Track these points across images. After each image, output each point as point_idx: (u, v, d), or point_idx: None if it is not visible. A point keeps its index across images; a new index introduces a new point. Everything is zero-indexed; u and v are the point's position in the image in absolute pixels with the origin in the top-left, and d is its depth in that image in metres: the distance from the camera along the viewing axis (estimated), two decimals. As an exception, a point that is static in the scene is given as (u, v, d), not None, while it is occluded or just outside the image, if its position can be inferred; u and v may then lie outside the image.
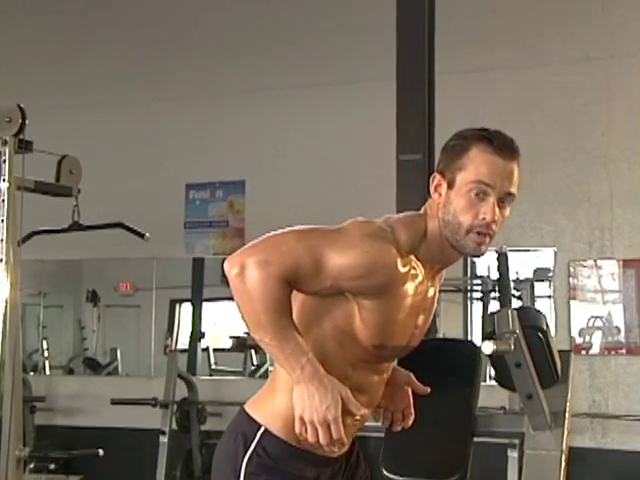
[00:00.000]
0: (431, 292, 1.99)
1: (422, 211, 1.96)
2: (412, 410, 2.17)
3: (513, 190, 1.88)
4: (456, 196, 1.87)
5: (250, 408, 1.96)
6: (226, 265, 1.82)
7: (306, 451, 1.91)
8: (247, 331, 1.86)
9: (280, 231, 1.86)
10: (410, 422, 2.17)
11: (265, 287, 1.79)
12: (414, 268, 1.90)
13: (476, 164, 1.85)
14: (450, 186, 1.88)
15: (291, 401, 1.87)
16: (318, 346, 1.88)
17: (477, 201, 1.85)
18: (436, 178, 1.92)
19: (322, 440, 1.80)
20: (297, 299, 1.89)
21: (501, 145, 1.87)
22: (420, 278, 1.92)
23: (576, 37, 5.61)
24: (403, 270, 1.86)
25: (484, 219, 1.85)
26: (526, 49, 5.68)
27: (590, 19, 5.63)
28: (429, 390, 2.14)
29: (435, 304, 2.04)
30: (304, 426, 1.81)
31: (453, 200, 1.87)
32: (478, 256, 1.92)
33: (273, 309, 1.80)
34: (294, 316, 1.86)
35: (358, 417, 1.91)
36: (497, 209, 1.85)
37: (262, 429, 1.91)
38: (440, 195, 1.90)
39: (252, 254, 1.81)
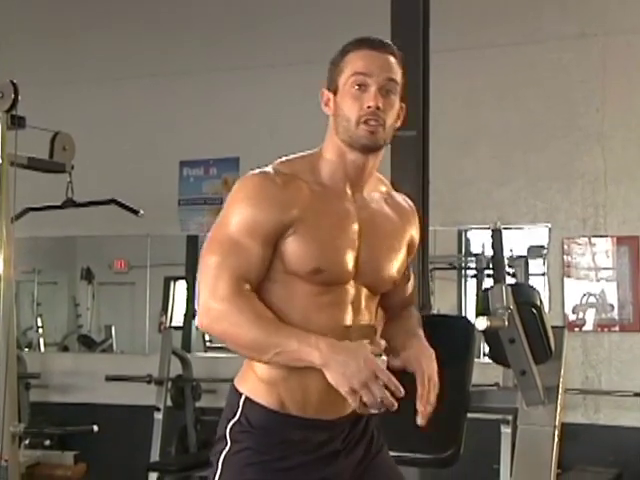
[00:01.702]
0: (364, 214, 1.97)
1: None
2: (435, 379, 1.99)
3: (393, 76, 1.94)
4: (341, 98, 1.94)
5: (236, 381, 2.00)
6: (199, 323, 1.88)
7: (291, 415, 1.92)
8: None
9: (201, 258, 1.91)
10: (433, 395, 1.97)
11: (233, 312, 1.82)
12: (312, 189, 1.92)
13: (352, 62, 1.94)
14: (335, 93, 1.96)
15: (268, 367, 1.88)
16: (271, 298, 1.89)
17: (359, 94, 1.91)
18: (324, 94, 2.00)
19: (380, 393, 1.76)
20: None
21: (373, 42, 1.96)
22: (329, 197, 1.94)
23: (572, 14, 5.58)
24: (292, 193, 1.89)
25: (369, 107, 1.90)
26: (521, 26, 5.65)
27: (586, -4, 5.62)
28: (403, 392, 1.88)
29: (393, 233, 2.02)
30: (356, 395, 1.77)
31: (340, 103, 1.94)
32: (374, 148, 1.94)
33: (255, 322, 1.82)
34: None
35: None
36: (380, 97, 1.91)
37: (244, 398, 1.95)
38: (330, 108, 1.98)
39: (201, 299, 1.86)
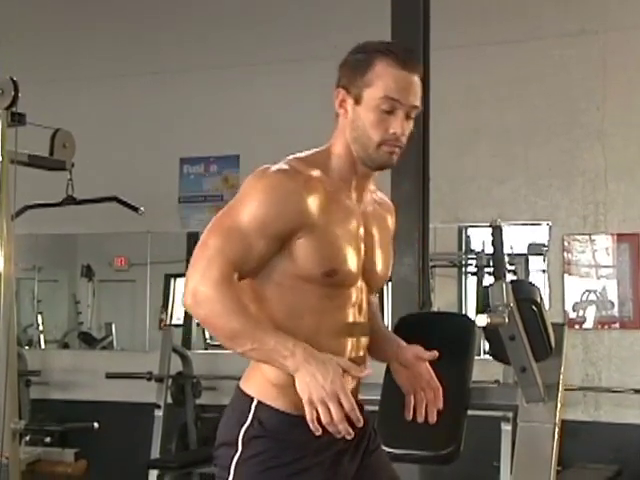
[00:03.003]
0: (365, 216, 1.98)
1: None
2: (436, 382, 2.09)
3: (418, 103, 1.93)
4: (365, 112, 1.90)
5: (243, 384, 1.96)
6: (184, 302, 1.85)
7: (304, 416, 1.85)
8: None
9: (200, 240, 1.87)
10: (441, 399, 2.09)
11: (219, 299, 1.79)
12: (327, 190, 1.89)
13: (384, 80, 1.88)
14: (357, 102, 1.91)
15: (278, 370, 1.85)
16: (280, 303, 1.88)
17: (386, 116, 1.89)
18: (340, 93, 1.94)
19: (336, 416, 1.76)
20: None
21: (406, 59, 1.91)
22: (340, 199, 1.92)
23: (572, 11, 5.58)
24: (309, 194, 1.86)
25: (395, 133, 1.90)
26: (522, 23, 5.65)
27: (586, -7, 5.61)
28: (437, 354, 2.05)
29: (385, 232, 2.05)
30: (312, 407, 1.77)
31: (362, 116, 1.91)
32: (390, 167, 1.97)
33: (238, 313, 1.80)
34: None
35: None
36: (406, 122, 1.91)
37: (255, 402, 1.91)
38: (346, 111, 1.94)
39: (191, 278, 1.82)
